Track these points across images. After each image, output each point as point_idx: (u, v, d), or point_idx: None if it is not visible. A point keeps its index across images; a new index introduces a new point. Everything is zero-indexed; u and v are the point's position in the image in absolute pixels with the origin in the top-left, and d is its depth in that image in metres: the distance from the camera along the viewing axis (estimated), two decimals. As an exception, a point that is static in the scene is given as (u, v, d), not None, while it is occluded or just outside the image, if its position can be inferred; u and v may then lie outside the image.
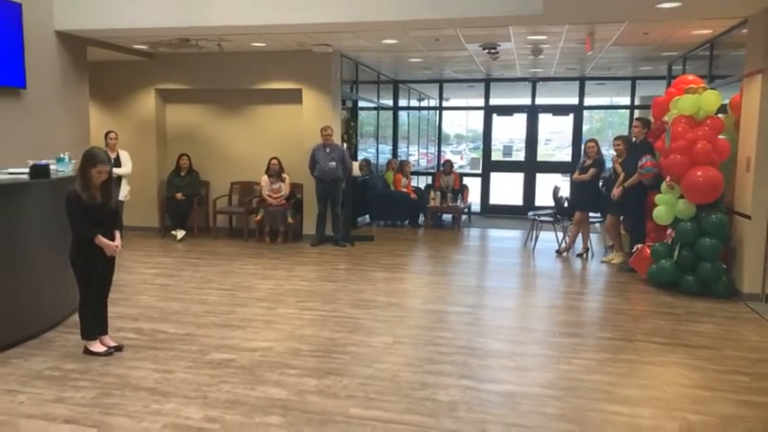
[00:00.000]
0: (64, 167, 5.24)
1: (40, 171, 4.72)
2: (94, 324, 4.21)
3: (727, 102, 6.54)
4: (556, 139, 21.99)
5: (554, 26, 6.78)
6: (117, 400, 3.52)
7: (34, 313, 4.59)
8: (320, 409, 3.45)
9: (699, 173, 5.89)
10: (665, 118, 6.59)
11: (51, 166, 4.94)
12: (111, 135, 7.71)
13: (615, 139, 7.60)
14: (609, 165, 7.85)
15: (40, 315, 4.67)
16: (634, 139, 7.20)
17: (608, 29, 6.90)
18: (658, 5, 5.38)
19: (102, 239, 4.08)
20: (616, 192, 7.08)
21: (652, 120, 7.24)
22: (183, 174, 9.07)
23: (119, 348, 4.28)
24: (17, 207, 4.48)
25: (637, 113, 11.33)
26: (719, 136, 6.11)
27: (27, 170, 4.78)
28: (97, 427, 3.20)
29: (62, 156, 5.59)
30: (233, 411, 3.40)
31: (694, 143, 5.94)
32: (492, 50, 8.31)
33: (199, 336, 4.68)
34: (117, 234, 4.24)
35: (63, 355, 4.23)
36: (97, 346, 4.21)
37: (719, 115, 6.24)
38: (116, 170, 5.95)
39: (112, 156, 7.05)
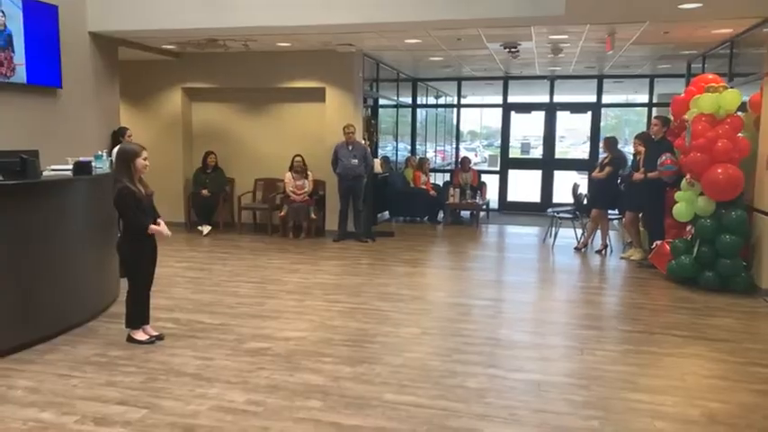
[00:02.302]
0: (102, 164, 5.45)
1: (82, 168, 4.94)
2: (139, 314, 4.42)
3: (746, 100, 6.61)
4: (570, 136, 22.03)
5: (575, 26, 6.90)
6: (163, 385, 3.72)
7: (78, 303, 4.82)
8: (356, 394, 3.62)
9: (719, 170, 5.99)
10: (686, 116, 6.68)
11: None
12: (129, 133, 7.56)
13: (635, 138, 7.73)
14: (630, 160, 7.98)
15: (84, 305, 4.90)
16: (653, 137, 7.29)
17: (629, 29, 7.01)
18: (680, 6, 5.48)
19: (154, 228, 4.32)
20: (638, 175, 7.15)
21: (671, 118, 7.33)
22: (208, 171, 9.30)
23: (160, 337, 4.49)
24: (63, 202, 4.70)
25: (655, 111, 11.40)
26: (739, 134, 6.20)
27: (68, 167, 5.01)
28: (149, 408, 3.40)
29: (100, 153, 5.83)
30: (274, 396, 3.59)
31: (714, 141, 6.03)
32: (512, 49, 8.44)
33: (233, 326, 4.88)
34: (161, 221, 4.46)
35: (107, 342, 4.45)
36: (140, 335, 4.42)
37: (739, 113, 6.32)
38: None
39: None
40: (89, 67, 7.34)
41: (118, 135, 7.52)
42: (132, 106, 9.49)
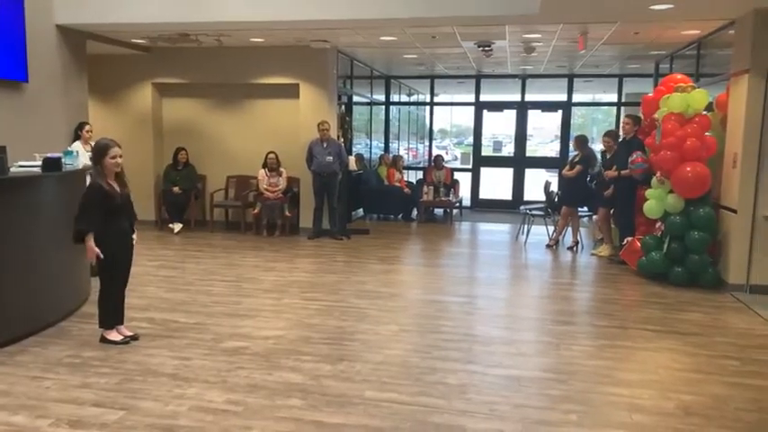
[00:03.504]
0: (71, 161, 5.31)
1: (52, 164, 4.80)
2: (113, 313, 4.33)
3: (713, 100, 6.78)
4: (537, 134, 22.32)
5: (549, 25, 6.98)
6: (140, 386, 3.64)
7: (49, 303, 4.69)
8: (337, 392, 3.61)
9: (688, 168, 6.13)
10: (656, 115, 6.81)
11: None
12: (87, 127, 7.28)
13: (605, 135, 7.86)
14: (599, 158, 8.11)
15: (54, 305, 4.77)
16: (624, 136, 7.44)
17: (601, 28, 7.12)
18: (652, 7, 5.60)
19: (90, 242, 4.08)
20: (611, 173, 7.28)
21: (642, 117, 7.47)
22: (179, 167, 9.15)
23: (135, 338, 4.40)
24: (31, 199, 4.56)
25: (623, 110, 11.62)
26: (706, 133, 6.36)
27: (36, 163, 4.87)
28: (126, 409, 3.32)
29: (69, 149, 5.69)
30: (254, 395, 3.55)
31: (684, 140, 6.17)
32: (486, 48, 8.50)
33: (210, 325, 4.81)
34: (134, 236, 4.44)
35: (80, 343, 4.34)
36: (114, 335, 4.32)
37: (705, 113, 6.48)
38: None
39: (87, 149, 6.94)
40: (56, 61, 7.15)
41: (77, 130, 7.31)
42: (101, 101, 9.27)
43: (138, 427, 3.15)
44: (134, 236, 4.42)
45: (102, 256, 4.13)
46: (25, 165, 4.91)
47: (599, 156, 8.67)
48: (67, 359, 4.05)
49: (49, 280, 4.67)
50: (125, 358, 4.08)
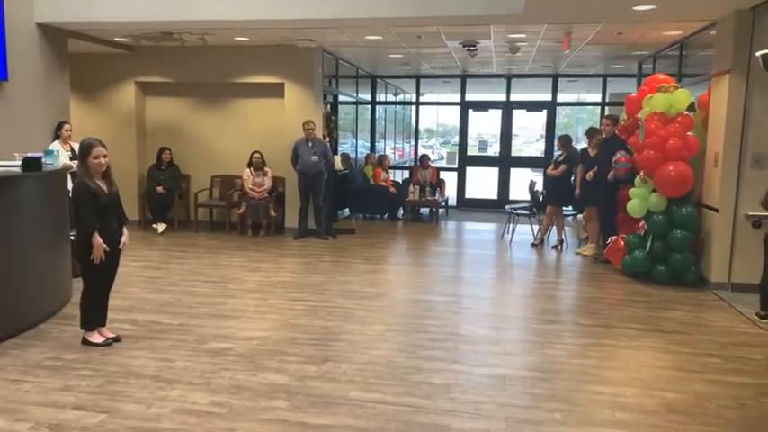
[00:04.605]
0: (52, 161, 5.24)
1: (32, 164, 4.74)
2: (95, 315, 4.27)
3: (694, 100, 6.85)
4: (523, 134, 22.47)
5: (533, 25, 7.01)
6: (122, 388, 3.60)
7: (29, 304, 4.62)
8: (322, 393, 3.59)
9: (670, 168, 6.18)
10: (639, 115, 6.87)
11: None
12: (66, 127, 7.16)
13: (593, 131, 7.87)
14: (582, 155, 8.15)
15: (35, 306, 4.70)
16: (604, 136, 7.48)
17: (585, 29, 7.17)
18: (635, 8, 5.64)
19: (97, 239, 4.06)
20: (589, 174, 7.35)
21: (624, 116, 7.52)
22: (163, 167, 9.08)
23: (117, 339, 4.35)
24: (11, 199, 4.49)
25: (607, 110, 11.70)
26: (689, 133, 6.42)
27: (17, 163, 4.81)
28: (107, 413, 3.28)
29: (50, 149, 5.61)
30: (238, 396, 3.52)
31: (666, 139, 6.23)
32: (471, 48, 8.51)
33: (193, 326, 4.77)
34: (125, 233, 4.36)
35: (61, 345, 4.28)
36: (96, 337, 4.27)
37: (687, 113, 6.54)
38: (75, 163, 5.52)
39: (66, 149, 6.89)
40: (37, 60, 7.05)
41: (56, 129, 7.21)
42: (83, 100, 9.17)
43: (120, 430, 3.11)
44: (123, 237, 4.33)
45: (108, 249, 4.11)
46: (5, 164, 4.84)
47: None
48: (48, 361, 3.99)
49: (29, 281, 4.60)
50: (107, 360, 4.03)
